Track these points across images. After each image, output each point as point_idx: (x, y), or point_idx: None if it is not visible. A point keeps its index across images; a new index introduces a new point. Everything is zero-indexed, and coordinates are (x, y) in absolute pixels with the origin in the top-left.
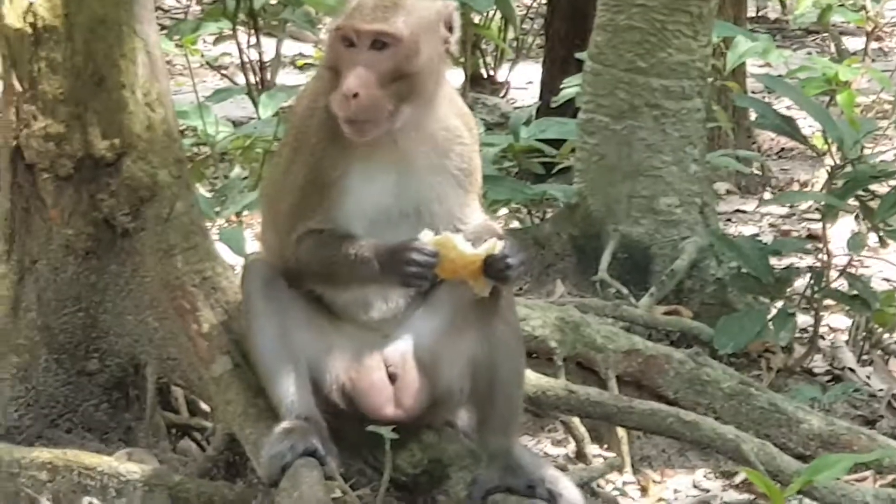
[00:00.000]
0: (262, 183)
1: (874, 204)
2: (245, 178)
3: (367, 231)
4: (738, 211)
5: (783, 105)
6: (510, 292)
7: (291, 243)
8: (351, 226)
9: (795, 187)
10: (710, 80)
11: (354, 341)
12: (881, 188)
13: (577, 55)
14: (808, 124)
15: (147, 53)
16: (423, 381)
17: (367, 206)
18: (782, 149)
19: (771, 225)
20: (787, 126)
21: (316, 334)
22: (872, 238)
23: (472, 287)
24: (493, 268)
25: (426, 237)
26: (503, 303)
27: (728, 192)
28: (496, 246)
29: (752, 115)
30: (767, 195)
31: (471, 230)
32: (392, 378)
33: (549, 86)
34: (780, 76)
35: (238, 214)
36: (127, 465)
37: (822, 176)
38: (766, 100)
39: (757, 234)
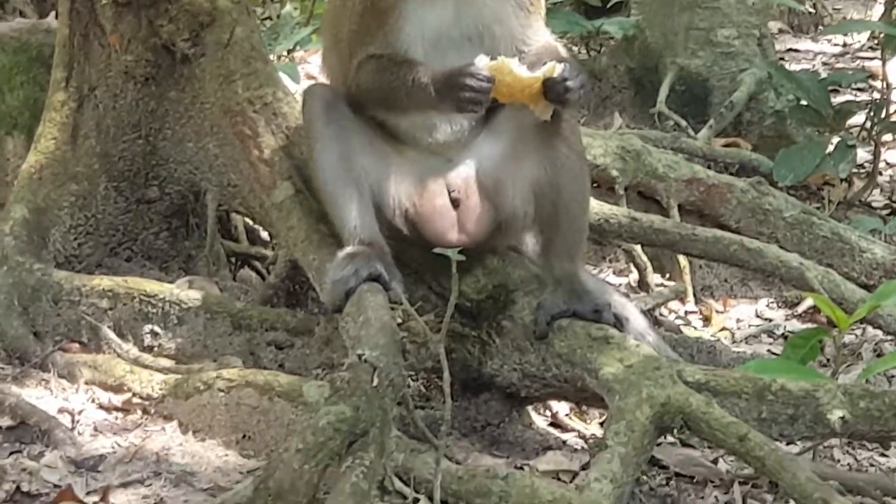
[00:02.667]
0: (325, 10)
1: None
2: (296, 16)
3: (428, 55)
4: (790, 50)
5: None
6: (573, 116)
7: (352, 69)
8: (410, 50)
9: None
10: None
11: (417, 166)
12: None
13: None
14: None
15: None
16: (487, 206)
17: (426, 30)
18: None
19: (824, 63)
20: None
21: (378, 158)
22: None
23: (533, 111)
24: (552, 90)
25: (481, 62)
26: (566, 126)
27: (781, 30)
28: (555, 69)
29: None
30: None
31: (534, 52)
32: (455, 203)
33: None
34: None
35: (290, 51)
36: (188, 293)
37: (875, 14)
38: None
39: (811, 70)
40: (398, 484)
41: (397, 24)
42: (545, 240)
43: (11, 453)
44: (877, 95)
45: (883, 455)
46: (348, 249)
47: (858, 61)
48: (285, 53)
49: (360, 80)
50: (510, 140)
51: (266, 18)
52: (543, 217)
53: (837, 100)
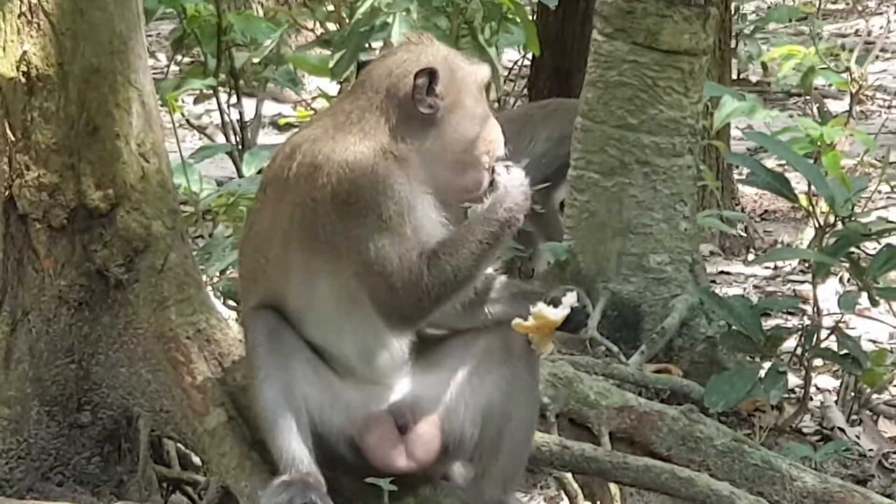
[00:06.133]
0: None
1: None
2: (229, 235)
3: None
4: (722, 272)
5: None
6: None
7: (419, 264)
8: None
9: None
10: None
11: (361, 393)
12: (868, 248)
13: None
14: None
15: (142, 103)
16: (435, 431)
17: None
18: (765, 210)
19: (755, 287)
20: (778, 183)
21: (322, 387)
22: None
23: (532, 340)
24: (574, 320)
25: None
26: (527, 350)
27: (712, 253)
28: (574, 298)
29: (737, 176)
30: (751, 257)
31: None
32: (402, 430)
33: None
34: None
35: (223, 272)
36: None
37: (806, 237)
38: None
39: (742, 296)
40: None
41: None
42: (481, 466)
43: None
44: (807, 320)
45: None
46: (284, 477)
47: (789, 284)
48: (218, 275)
49: (443, 265)
50: (462, 363)
51: (198, 237)
52: (486, 442)
53: (769, 324)
